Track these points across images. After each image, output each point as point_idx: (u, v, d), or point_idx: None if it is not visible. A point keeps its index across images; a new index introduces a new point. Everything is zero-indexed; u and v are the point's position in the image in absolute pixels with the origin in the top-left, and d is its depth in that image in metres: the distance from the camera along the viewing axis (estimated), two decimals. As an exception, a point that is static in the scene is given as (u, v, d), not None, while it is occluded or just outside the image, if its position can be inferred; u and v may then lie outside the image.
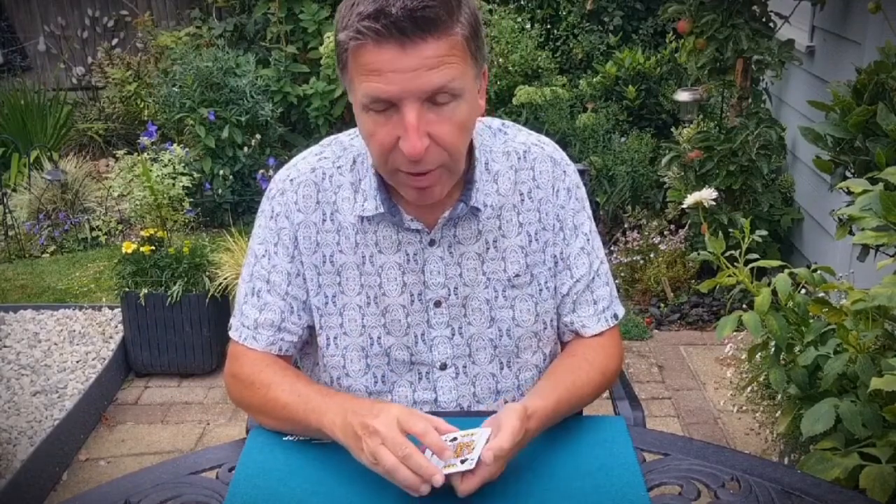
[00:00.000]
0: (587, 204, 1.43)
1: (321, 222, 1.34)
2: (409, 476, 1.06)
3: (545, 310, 1.39)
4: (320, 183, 1.34)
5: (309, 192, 1.34)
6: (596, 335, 1.40)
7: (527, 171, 1.37)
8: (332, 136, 1.40)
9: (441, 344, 1.36)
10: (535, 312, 1.38)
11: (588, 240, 1.40)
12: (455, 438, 1.12)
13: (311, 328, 1.40)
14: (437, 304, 1.35)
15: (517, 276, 1.36)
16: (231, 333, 1.39)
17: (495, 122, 1.41)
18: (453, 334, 1.36)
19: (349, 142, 1.37)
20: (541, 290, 1.38)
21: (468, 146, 1.29)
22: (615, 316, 1.43)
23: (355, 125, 1.33)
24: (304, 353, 1.47)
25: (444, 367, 1.37)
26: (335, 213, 1.34)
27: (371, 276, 1.34)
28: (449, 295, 1.35)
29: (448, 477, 1.07)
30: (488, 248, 1.35)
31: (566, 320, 1.41)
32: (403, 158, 1.17)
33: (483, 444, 1.10)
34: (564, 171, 1.39)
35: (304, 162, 1.37)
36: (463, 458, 1.09)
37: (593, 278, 1.40)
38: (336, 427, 1.17)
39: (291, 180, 1.36)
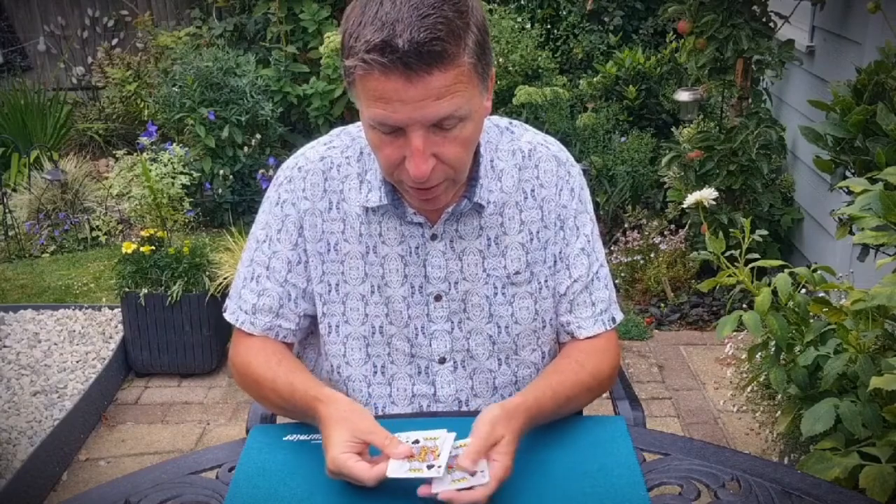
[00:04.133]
0: (590, 206, 1.42)
1: (327, 210, 1.36)
2: (377, 476, 1.09)
3: (544, 308, 1.39)
4: (328, 172, 1.36)
5: (316, 180, 1.36)
6: (591, 337, 1.40)
7: (531, 170, 1.37)
8: (340, 127, 1.41)
9: (440, 337, 1.37)
10: (534, 310, 1.38)
11: (589, 241, 1.40)
12: (417, 441, 1.11)
13: (310, 317, 1.41)
14: (438, 297, 1.36)
15: (517, 273, 1.37)
16: (227, 316, 1.41)
17: (503, 120, 1.42)
18: (452, 328, 1.37)
19: (357, 133, 1.38)
20: (540, 288, 1.38)
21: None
22: (613, 320, 1.42)
23: (354, 124, 1.34)
24: (308, 344, 1.48)
25: (442, 360, 1.38)
26: (341, 203, 1.35)
27: (375, 267, 1.35)
28: (449, 289, 1.36)
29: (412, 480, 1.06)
30: (489, 245, 1.36)
31: (563, 320, 1.41)
32: (409, 176, 1.19)
33: (448, 450, 1.08)
34: (569, 172, 1.40)
35: (313, 151, 1.39)
36: (430, 464, 1.07)
37: (592, 280, 1.40)
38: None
39: (299, 168, 1.37)
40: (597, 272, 1.40)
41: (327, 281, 1.37)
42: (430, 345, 1.38)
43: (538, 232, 1.37)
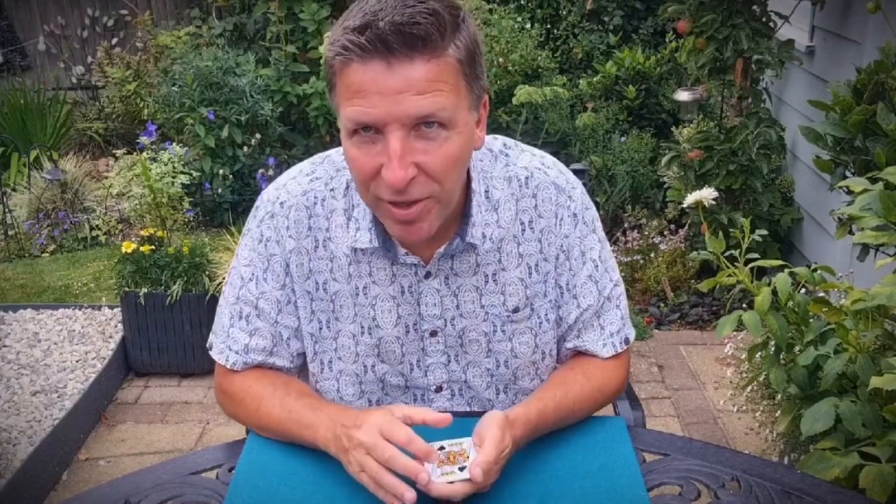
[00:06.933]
0: (598, 226, 1.35)
1: (313, 249, 1.28)
2: (394, 482, 1.04)
3: (545, 341, 1.34)
4: (312, 208, 1.28)
5: (300, 216, 1.28)
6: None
7: (528, 199, 1.29)
8: (323, 154, 1.33)
9: (437, 369, 1.33)
10: (533, 344, 1.33)
11: (597, 267, 1.33)
12: (443, 447, 1.12)
13: (302, 355, 1.35)
14: (433, 333, 1.31)
15: (516, 310, 1.30)
16: (215, 356, 1.33)
17: (496, 143, 1.32)
18: (449, 361, 1.33)
19: (342, 162, 1.28)
20: (541, 322, 1.32)
21: (465, 178, 1.22)
22: (626, 340, 1.35)
23: (337, 150, 1.29)
24: (300, 376, 1.43)
25: (439, 389, 1.34)
26: (328, 241, 1.28)
27: (365, 308, 1.29)
28: (445, 325, 1.30)
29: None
30: (487, 282, 1.29)
31: (570, 346, 1.35)
32: (386, 187, 1.10)
33: (475, 452, 1.10)
34: (570, 197, 1.31)
35: (295, 183, 1.30)
36: (461, 466, 1.08)
37: (602, 304, 1.33)
38: (329, 442, 1.15)
39: (282, 203, 1.29)
40: (608, 295, 1.33)
41: (318, 319, 1.31)
42: (426, 376, 1.33)
43: (537, 265, 1.30)
